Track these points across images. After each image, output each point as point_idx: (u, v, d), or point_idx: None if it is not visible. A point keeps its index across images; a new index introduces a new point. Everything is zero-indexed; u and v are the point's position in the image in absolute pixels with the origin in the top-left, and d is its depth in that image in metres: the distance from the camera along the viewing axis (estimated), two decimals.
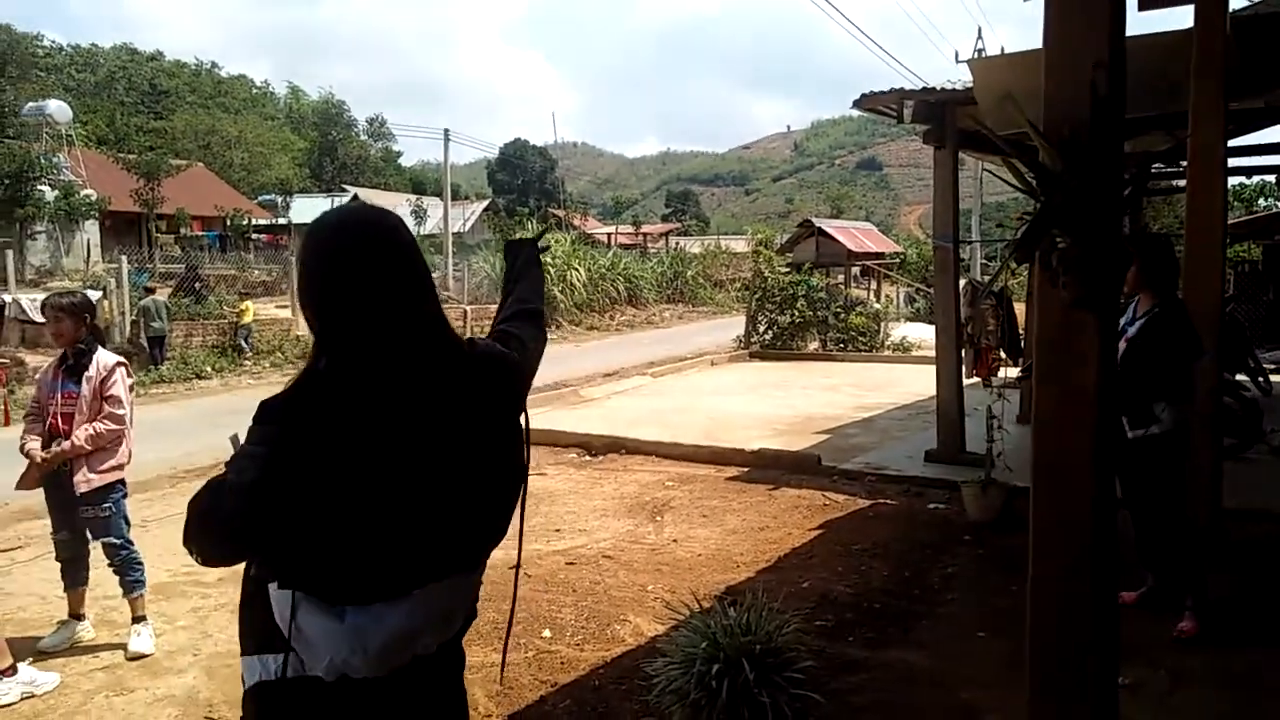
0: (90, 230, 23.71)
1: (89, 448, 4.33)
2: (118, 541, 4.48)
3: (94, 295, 17.02)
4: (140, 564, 4.59)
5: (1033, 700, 2.75)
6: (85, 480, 4.34)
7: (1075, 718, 2.65)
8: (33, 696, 3.93)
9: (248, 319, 18.43)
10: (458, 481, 1.69)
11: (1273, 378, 9.66)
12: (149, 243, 25.24)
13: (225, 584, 5.36)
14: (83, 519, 4.45)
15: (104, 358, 4.47)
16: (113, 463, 4.45)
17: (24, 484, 4.48)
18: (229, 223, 30.56)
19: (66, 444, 4.30)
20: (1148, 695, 3.67)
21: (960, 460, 7.57)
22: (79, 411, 4.35)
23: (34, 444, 4.38)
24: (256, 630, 1.65)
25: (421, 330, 1.69)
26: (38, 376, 4.54)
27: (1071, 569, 2.63)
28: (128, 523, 4.59)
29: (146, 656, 4.34)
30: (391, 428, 1.60)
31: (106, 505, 4.44)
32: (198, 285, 19.62)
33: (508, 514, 1.85)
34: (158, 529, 6.62)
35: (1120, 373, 4.13)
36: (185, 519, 1.61)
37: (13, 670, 3.94)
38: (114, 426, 4.40)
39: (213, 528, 1.59)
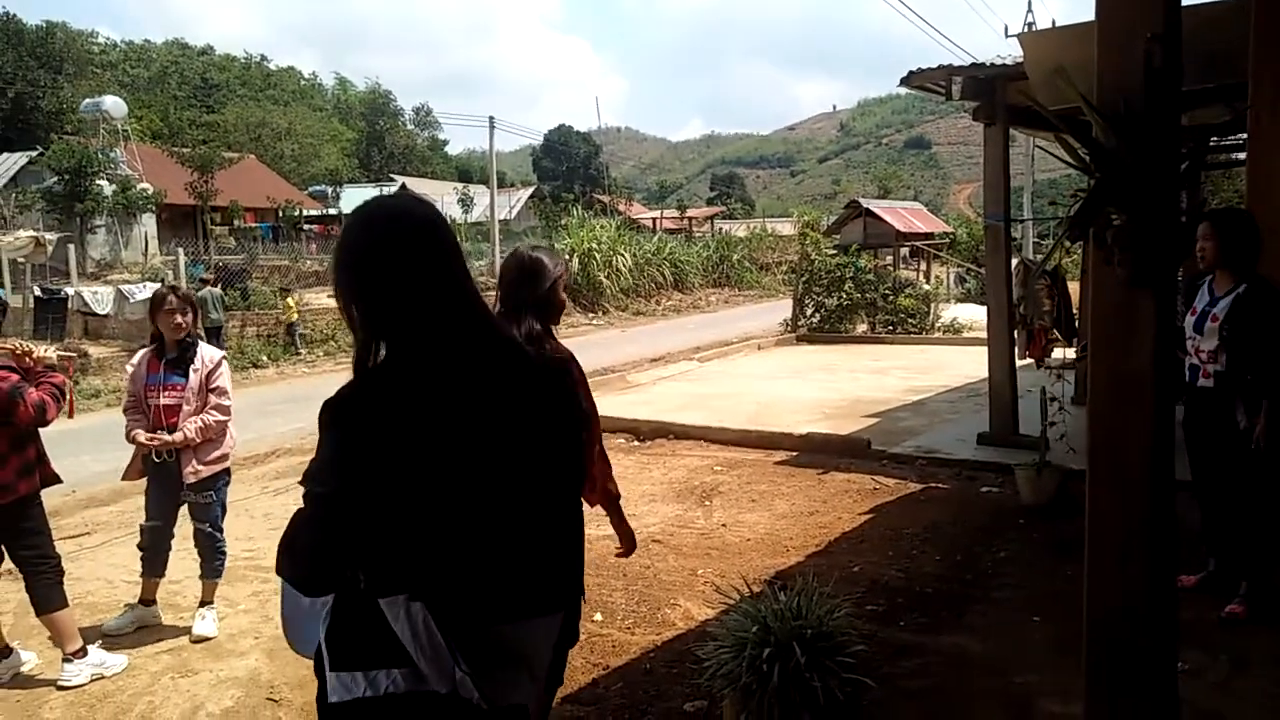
0: (147, 223, 24.28)
1: (199, 439, 4.45)
2: (213, 529, 4.61)
3: (153, 288, 17.50)
4: (225, 553, 4.74)
5: (1089, 684, 2.71)
6: (194, 472, 4.47)
7: (1132, 702, 2.61)
8: (102, 678, 4.06)
9: (293, 316, 18.59)
10: (524, 486, 1.65)
11: None
12: (204, 235, 25.79)
13: None
14: (187, 504, 4.58)
15: (208, 351, 4.60)
16: (219, 453, 4.58)
17: (130, 474, 4.60)
18: (281, 214, 31.06)
19: (178, 435, 4.40)
20: (1207, 680, 3.59)
21: (1013, 443, 7.46)
22: (186, 403, 4.45)
23: (141, 432, 4.44)
24: (357, 644, 1.56)
25: (476, 321, 1.68)
26: (130, 369, 4.58)
27: (1128, 552, 2.59)
28: (224, 510, 4.71)
29: (210, 639, 4.46)
30: (463, 423, 1.58)
31: (210, 493, 4.57)
32: (244, 281, 19.90)
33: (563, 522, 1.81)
34: None
35: (1230, 357, 4.06)
36: (277, 554, 1.60)
37: (83, 652, 4.07)
38: (222, 418, 4.53)
39: (305, 545, 1.56)
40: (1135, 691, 2.59)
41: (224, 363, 4.65)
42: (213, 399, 4.51)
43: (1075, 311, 8.45)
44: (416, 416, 1.54)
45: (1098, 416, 2.64)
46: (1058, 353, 8.23)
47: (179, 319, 4.45)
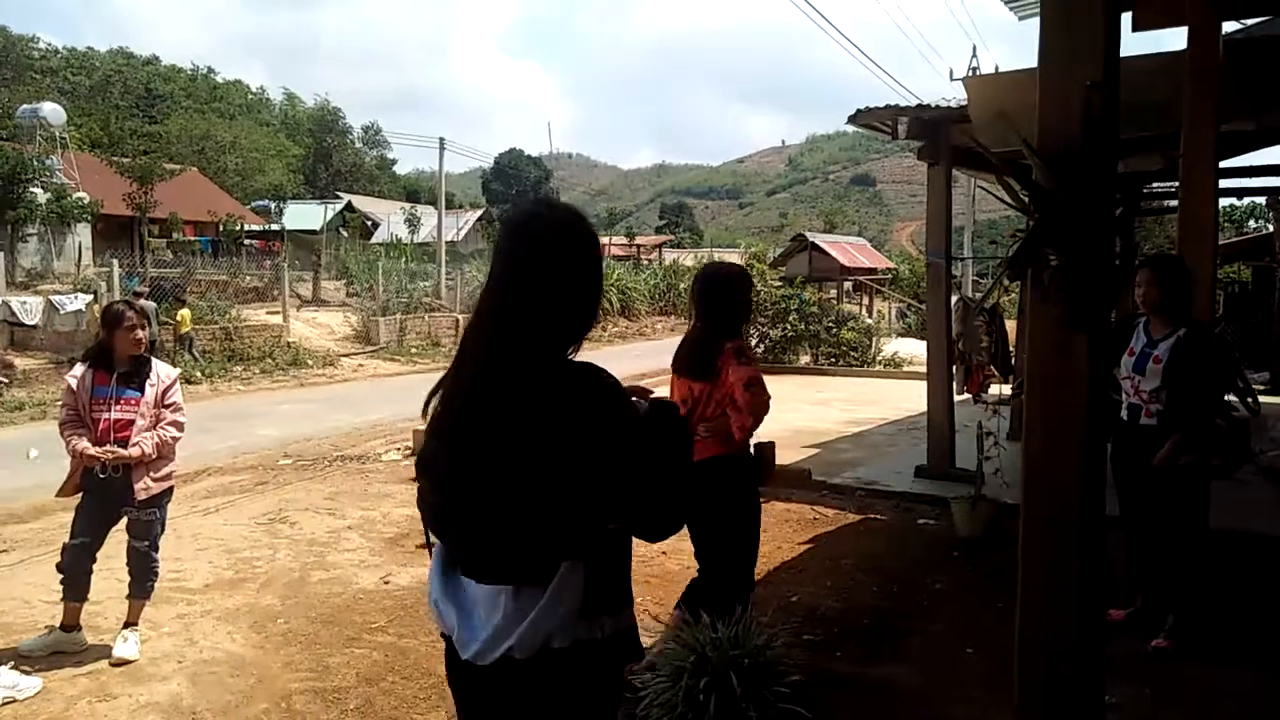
0: (82, 233, 23.61)
1: (155, 455, 4.34)
2: (150, 548, 4.48)
3: (85, 299, 16.99)
4: (157, 574, 4.61)
5: (1019, 717, 2.74)
6: (145, 488, 4.34)
7: None
8: (13, 701, 3.89)
9: (186, 329, 17.67)
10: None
11: (1261, 398, 9.71)
12: (141, 247, 25.17)
13: (211, 591, 5.33)
14: (128, 520, 4.43)
15: (163, 367, 4.52)
16: (169, 469, 4.49)
17: (66, 490, 4.42)
18: (222, 228, 30.48)
19: (135, 450, 4.27)
20: (1132, 714, 3.66)
21: (950, 476, 7.57)
22: (141, 417, 4.33)
23: (90, 445, 4.27)
24: (610, 590, 1.75)
25: None
26: (72, 382, 4.39)
27: (1059, 586, 2.63)
28: (163, 529, 4.59)
29: (131, 663, 4.30)
30: None
31: (154, 510, 4.45)
32: (181, 295, 19.41)
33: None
34: None
35: (1172, 396, 4.17)
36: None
37: None
38: (178, 434, 4.45)
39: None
40: None
41: (178, 380, 4.59)
42: (168, 415, 4.42)
43: (1012, 349, 8.65)
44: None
45: (1032, 452, 2.69)
46: (994, 389, 8.41)
47: (139, 334, 4.38)
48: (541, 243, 1.79)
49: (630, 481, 1.72)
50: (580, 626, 1.69)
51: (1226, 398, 4.42)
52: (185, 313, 17.82)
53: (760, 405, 3.69)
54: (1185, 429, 4.14)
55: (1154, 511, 4.32)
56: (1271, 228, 15.18)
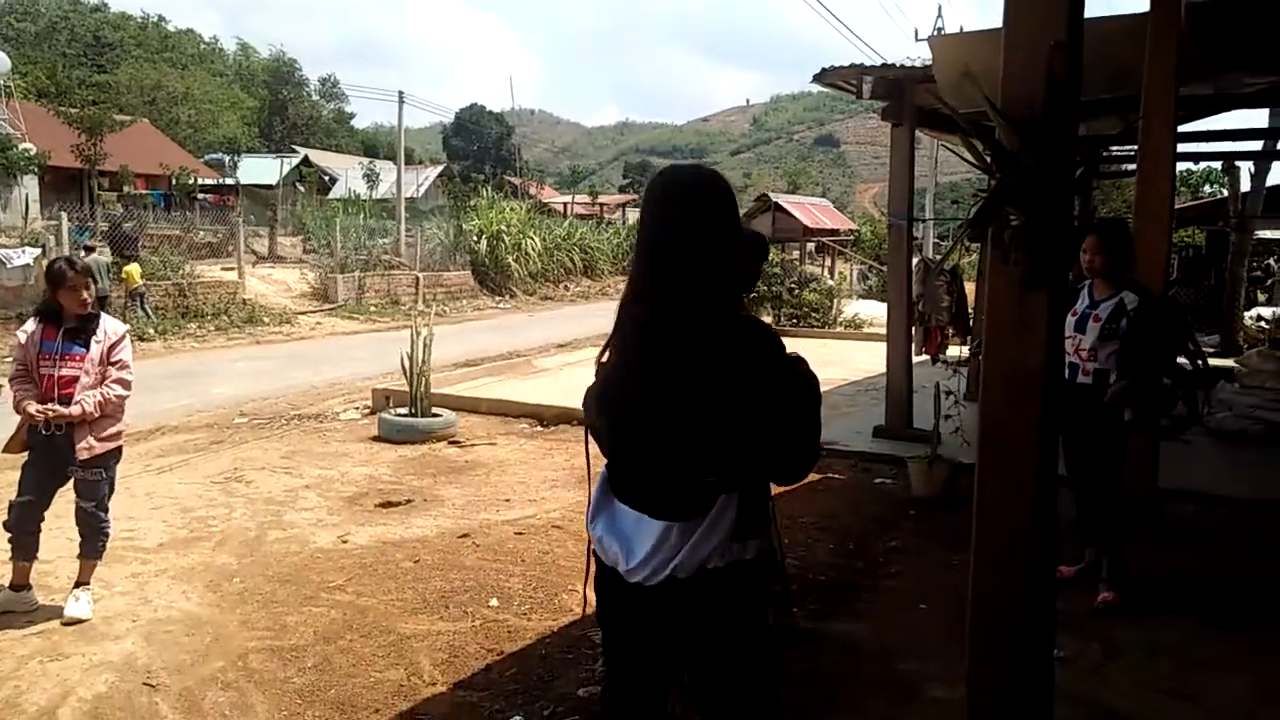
0: (29, 185, 22.91)
1: (97, 414, 4.22)
2: (98, 508, 4.39)
3: (32, 254, 16.53)
4: (108, 534, 4.51)
5: (971, 671, 2.80)
6: (88, 447, 4.23)
7: (1012, 688, 2.71)
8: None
9: (135, 284, 17.22)
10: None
11: (1211, 361, 9.92)
12: (90, 200, 24.49)
13: (165, 550, 5.27)
14: (74, 480, 4.34)
15: (111, 324, 4.39)
16: (115, 429, 4.37)
17: (12, 447, 4.31)
18: (175, 181, 29.73)
19: (75, 409, 4.16)
20: (1082, 667, 3.76)
21: (907, 436, 7.67)
22: (85, 374, 4.21)
23: (33, 403, 4.15)
24: (754, 516, 2.00)
25: None
26: (22, 336, 4.28)
27: (1013, 543, 2.67)
28: (112, 489, 4.49)
29: (83, 622, 4.24)
30: None
31: (99, 470, 4.34)
32: (134, 249, 18.98)
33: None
34: None
35: (1122, 355, 4.28)
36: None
37: None
38: (124, 393, 4.32)
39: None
40: (1015, 678, 2.68)
41: (127, 336, 4.44)
42: (114, 372, 4.29)
43: (971, 310, 8.73)
44: None
45: (989, 412, 2.72)
46: (953, 350, 8.50)
47: (84, 295, 4.24)
48: (687, 198, 2.00)
49: (783, 423, 1.94)
50: (733, 548, 1.94)
51: (1177, 360, 4.51)
52: (133, 268, 17.38)
53: None
54: (1134, 379, 4.27)
55: (1097, 468, 4.45)
56: (1226, 192, 15.40)
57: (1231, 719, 3.40)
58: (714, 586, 1.94)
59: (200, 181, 31.91)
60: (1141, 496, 5.66)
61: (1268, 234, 17.78)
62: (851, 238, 29.00)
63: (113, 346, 4.32)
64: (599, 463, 2.13)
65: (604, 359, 2.08)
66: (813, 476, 6.90)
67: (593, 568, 2.12)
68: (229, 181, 35.23)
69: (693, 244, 1.95)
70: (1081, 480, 4.55)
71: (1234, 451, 7.60)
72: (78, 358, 4.23)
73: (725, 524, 1.92)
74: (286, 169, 39.33)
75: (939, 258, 10.53)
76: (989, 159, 2.64)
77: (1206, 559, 5.16)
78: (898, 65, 7.80)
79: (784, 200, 24.72)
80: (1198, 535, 5.53)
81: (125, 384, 4.34)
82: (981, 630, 2.76)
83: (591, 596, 2.13)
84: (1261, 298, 18.04)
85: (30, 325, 4.31)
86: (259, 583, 4.77)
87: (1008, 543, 2.67)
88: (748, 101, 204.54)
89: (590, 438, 2.12)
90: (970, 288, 9.32)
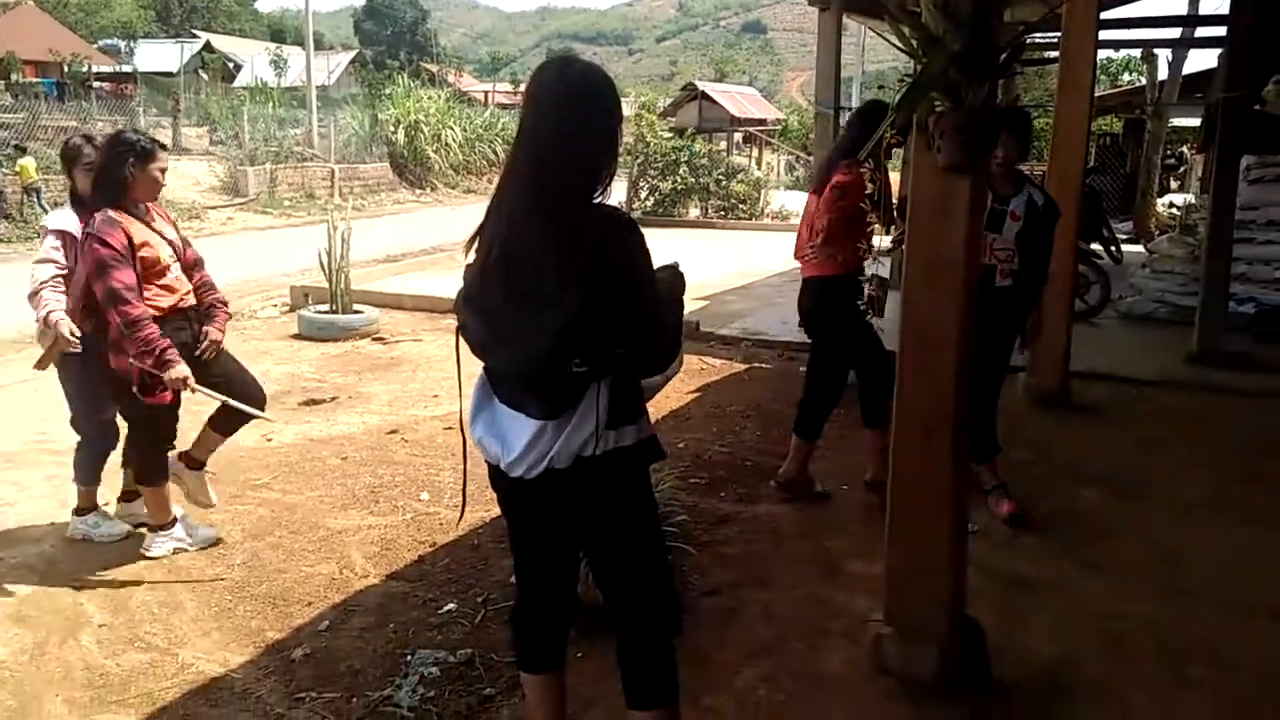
0: None
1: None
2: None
3: None
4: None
5: (890, 546, 2.92)
6: None
7: (930, 560, 2.84)
8: (184, 551, 3.87)
9: (31, 178, 16.11)
10: None
11: (1125, 247, 10.24)
12: None
13: None
14: None
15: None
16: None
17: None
18: (67, 69, 27.90)
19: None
20: (995, 540, 3.95)
21: None
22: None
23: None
24: (626, 403, 2.03)
25: None
26: (68, 232, 3.77)
27: (931, 427, 2.76)
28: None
29: None
30: None
31: None
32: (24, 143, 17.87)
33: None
34: (3, 395, 6.24)
35: (1024, 254, 4.09)
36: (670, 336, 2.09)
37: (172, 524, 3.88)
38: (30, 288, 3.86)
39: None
40: (933, 551, 2.81)
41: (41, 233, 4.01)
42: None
43: (895, 200, 8.79)
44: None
45: (910, 300, 2.77)
46: (876, 240, 8.55)
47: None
48: (577, 97, 1.98)
49: (643, 308, 1.97)
50: (609, 436, 2.00)
51: (1092, 246, 4.58)
52: (27, 161, 16.30)
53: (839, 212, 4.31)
54: (1038, 286, 4.17)
55: (998, 367, 4.28)
56: (1144, 80, 15.61)
57: (1133, 582, 3.62)
58: (593, 473, 2.01)
59: (95, 69, 30.03)
60: (1055, 379, 5.89)
61: (1182, 122, 18.15)
62: (779, 127, 28.81)
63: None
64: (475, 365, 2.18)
65: (470, 258, 2.09)
66: (740, 367, 7.01)
67: (471, 467, 2.29)
68: (126, 69, 33.22)
69: (578, 143, 1.96)
70: (986, 379, 4.23)
71: (1142, 333, 7.92)
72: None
73: (597, 414, 1.97)
74: (188, 55, 37.23)
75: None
76: (915, 44, 2.62)
77: (1108, 436, 5.42)
78: None
79: (711, 89, 24.37)
80: (1102, 414, 5.80)
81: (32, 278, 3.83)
82: (900, 508, 2.87)
83: (480, 494, 2.22)
84: (1174, 185, 18.54)
85: (68, 216, 3.84)
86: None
87: (926, 426, 2.76)
88: None
89: (461, 339, 2.13)
90: (895, 177, 9.37)
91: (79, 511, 4.02)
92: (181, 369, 3.53)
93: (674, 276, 2.20)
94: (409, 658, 3.09)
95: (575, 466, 2.00)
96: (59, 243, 3.80)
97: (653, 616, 2.22)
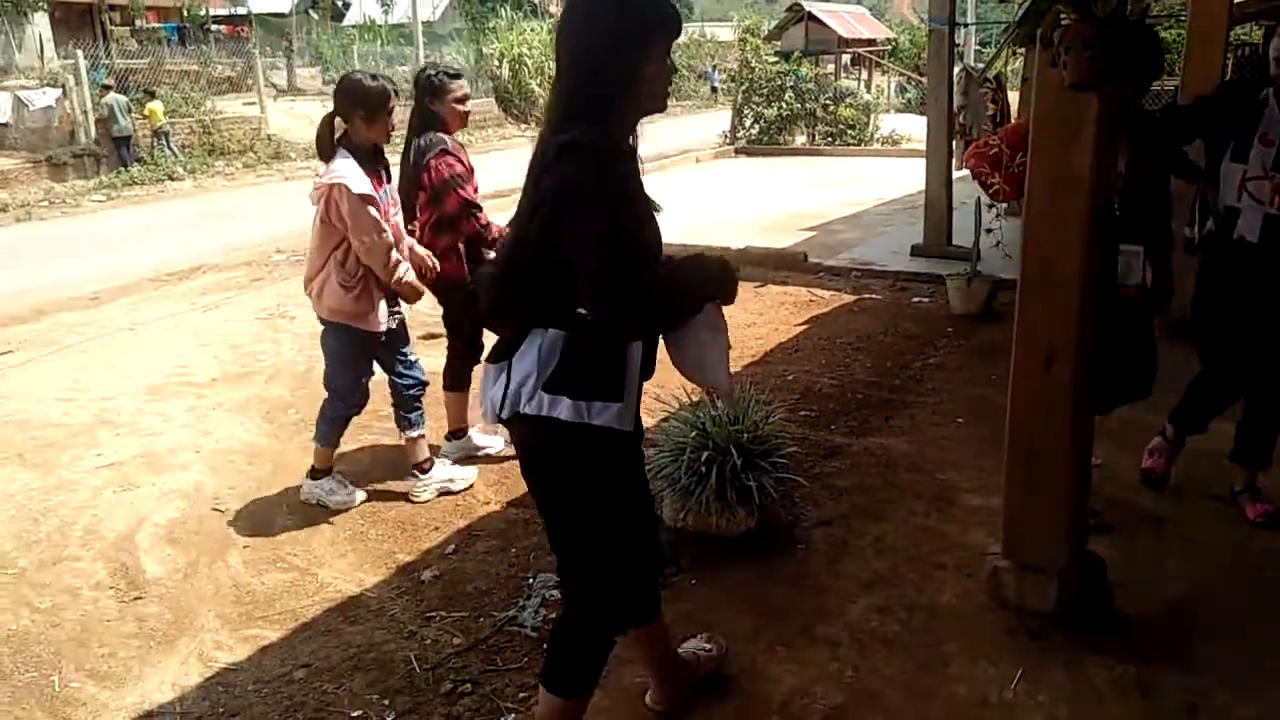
0: (40, 23, 22.36)
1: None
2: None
3: (54, 94, 16.32)
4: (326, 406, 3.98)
5: (1008, 480, 2.87)
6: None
7: (1049, 492, 2.78)
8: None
9: (159, 122, 16.86)
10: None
11: None
12: (104, 36, 23.90)
13: (218, 385, 5.44)
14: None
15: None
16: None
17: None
18: (186, 13, 28.81)
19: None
20: (1121, 476, 3.81)
21: (946, 254, 7.57)
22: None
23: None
24: (602, 378, 1.92)
25: None
26: (371, 186, 3.62)
27: (1052, 353, 2.68)
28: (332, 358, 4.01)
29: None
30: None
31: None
32: (153, 87, 18.63)
33: None
34: (145, 332, 6.64)
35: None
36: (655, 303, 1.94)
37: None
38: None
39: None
40: (1053, 484, 2.76)
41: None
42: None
43: (1016, 120, 8.40)
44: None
45: (1032, 220, 2.67)
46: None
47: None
48: (572, 17, 1.91)
49: (570, 255, 1.82)
50: (544, 399, 1.90)
51: None
52: (155, 106, 17.09)
53: None
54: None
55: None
56: None
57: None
58: (533, 435, 1.96)
59: (211, 12, 30.90)
60: None
61: None
62: (889, 47, 27.71)
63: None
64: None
65: None
66: (849, 298, 6.90)
67: None
68: (240, 11, 34.04)
69: (562, 65, 1.90)
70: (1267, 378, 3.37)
71: None
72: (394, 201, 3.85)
73: (534, 358, 1.90)
74: None
75: (982, 65, 10.05)
76: None
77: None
78: None
79: (817, 9, 23.51)
80: None
81: None
82: (1019, 441, 2.81)
83: None
84: None
85: (353, 168, 3.68)
86: (313, 414, 4.85)
87: (1047, 352, 2.68)
88: None
89: None
90: (1014, 97, 8.95)
91: (314, 474, 3.89)
92: None
93: (705, 266, 2.00)
94: (531, 581, 3.23)
95: (521, 420, 1.94)
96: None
97: (574, 603, 2.15)
